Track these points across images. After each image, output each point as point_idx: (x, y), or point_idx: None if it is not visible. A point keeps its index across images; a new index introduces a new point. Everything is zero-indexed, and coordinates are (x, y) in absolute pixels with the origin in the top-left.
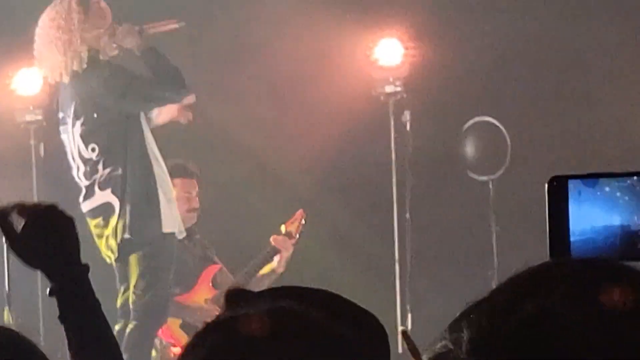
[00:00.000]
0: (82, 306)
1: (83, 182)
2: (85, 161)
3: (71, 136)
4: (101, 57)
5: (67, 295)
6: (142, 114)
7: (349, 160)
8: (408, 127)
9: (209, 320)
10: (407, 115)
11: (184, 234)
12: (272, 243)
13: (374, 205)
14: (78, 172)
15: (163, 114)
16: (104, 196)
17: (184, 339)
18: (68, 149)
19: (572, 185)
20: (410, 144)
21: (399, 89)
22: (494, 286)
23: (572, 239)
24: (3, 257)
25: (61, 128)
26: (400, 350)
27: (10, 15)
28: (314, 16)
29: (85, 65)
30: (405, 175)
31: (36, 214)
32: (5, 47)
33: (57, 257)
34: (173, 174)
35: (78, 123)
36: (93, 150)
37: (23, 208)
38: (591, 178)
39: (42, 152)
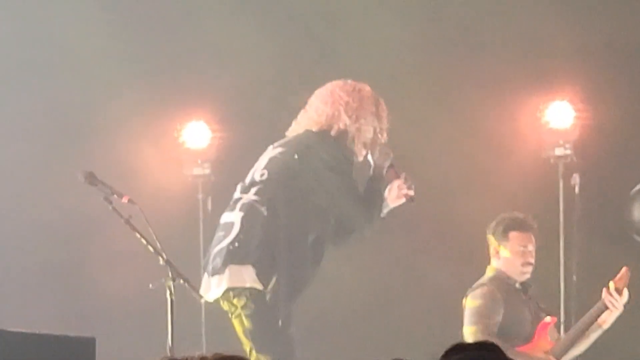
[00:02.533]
0: None
1: None
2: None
3: None
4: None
5: None
6: None
7: None
8: (577, 190)
9: None
10: (576, 178)
11: None
12: (603, 299)
13: None
14: None
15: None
16: None
17: None
18: None
19: None
20: (579, 207)
21: (568, 152)
22: None
23: None
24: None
25: None
26: None
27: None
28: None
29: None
30: (572, 238)
31: None
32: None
33: None
34: (509, 227)
35: None
36: None
37: None
38: None
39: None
